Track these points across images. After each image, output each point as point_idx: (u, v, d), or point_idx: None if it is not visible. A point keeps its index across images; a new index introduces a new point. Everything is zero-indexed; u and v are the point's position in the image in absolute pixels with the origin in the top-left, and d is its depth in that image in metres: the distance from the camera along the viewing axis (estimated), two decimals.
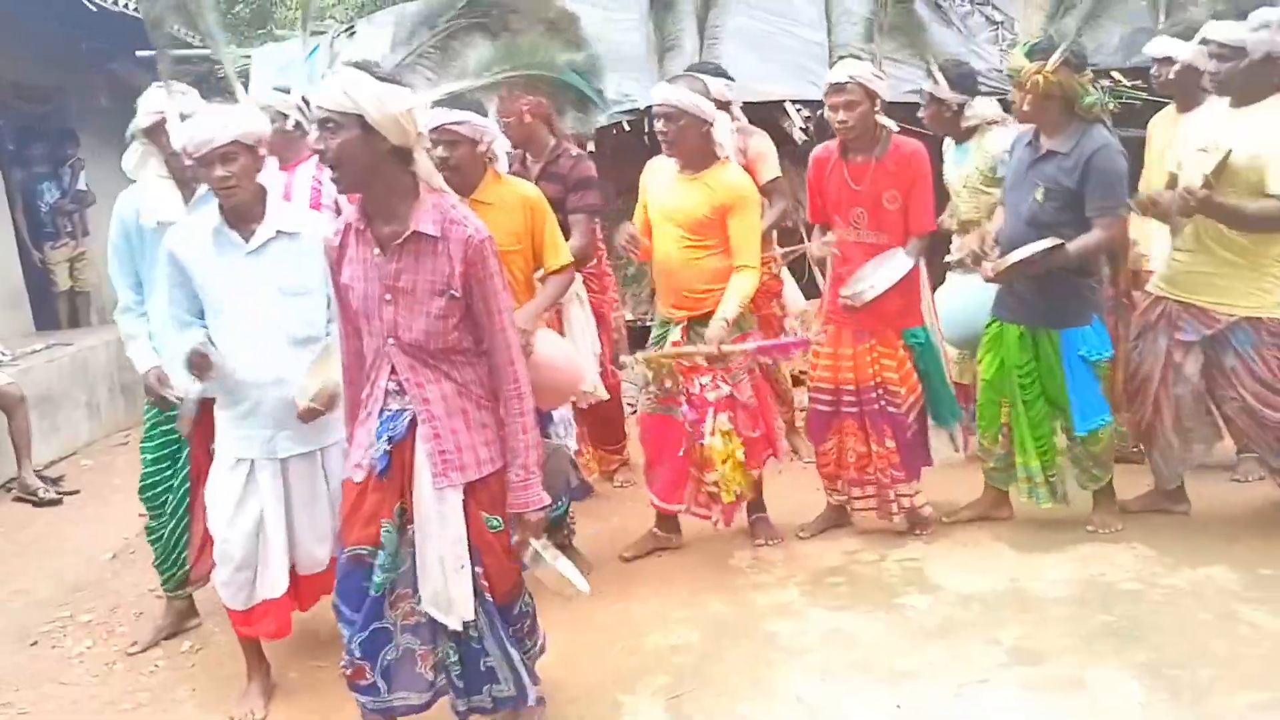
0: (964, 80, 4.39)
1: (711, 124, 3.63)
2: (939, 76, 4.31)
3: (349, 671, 2.64)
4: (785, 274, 4.86)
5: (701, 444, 3.72)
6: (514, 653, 2.69)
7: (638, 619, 3.56)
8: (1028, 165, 3.75)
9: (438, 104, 2.99)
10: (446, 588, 2.54)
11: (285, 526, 3.06)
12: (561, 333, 3.95)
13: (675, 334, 3.80)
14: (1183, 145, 3.81)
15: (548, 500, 2.60)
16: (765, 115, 5.75)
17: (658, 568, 3.93)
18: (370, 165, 2.39)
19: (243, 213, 2.98)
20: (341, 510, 2.67)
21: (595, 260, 4.61)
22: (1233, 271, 3.65)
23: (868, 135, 3.79)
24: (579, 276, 4.04)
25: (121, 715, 3.26)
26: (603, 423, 4.82)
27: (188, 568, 3.54)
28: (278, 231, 2.99)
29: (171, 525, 3.51)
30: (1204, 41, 3.65)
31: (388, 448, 2.53)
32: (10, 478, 5.38)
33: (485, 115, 3.44)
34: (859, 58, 3.84)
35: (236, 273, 2.97)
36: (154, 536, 3.60)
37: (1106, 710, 2.86)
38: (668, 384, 3.79)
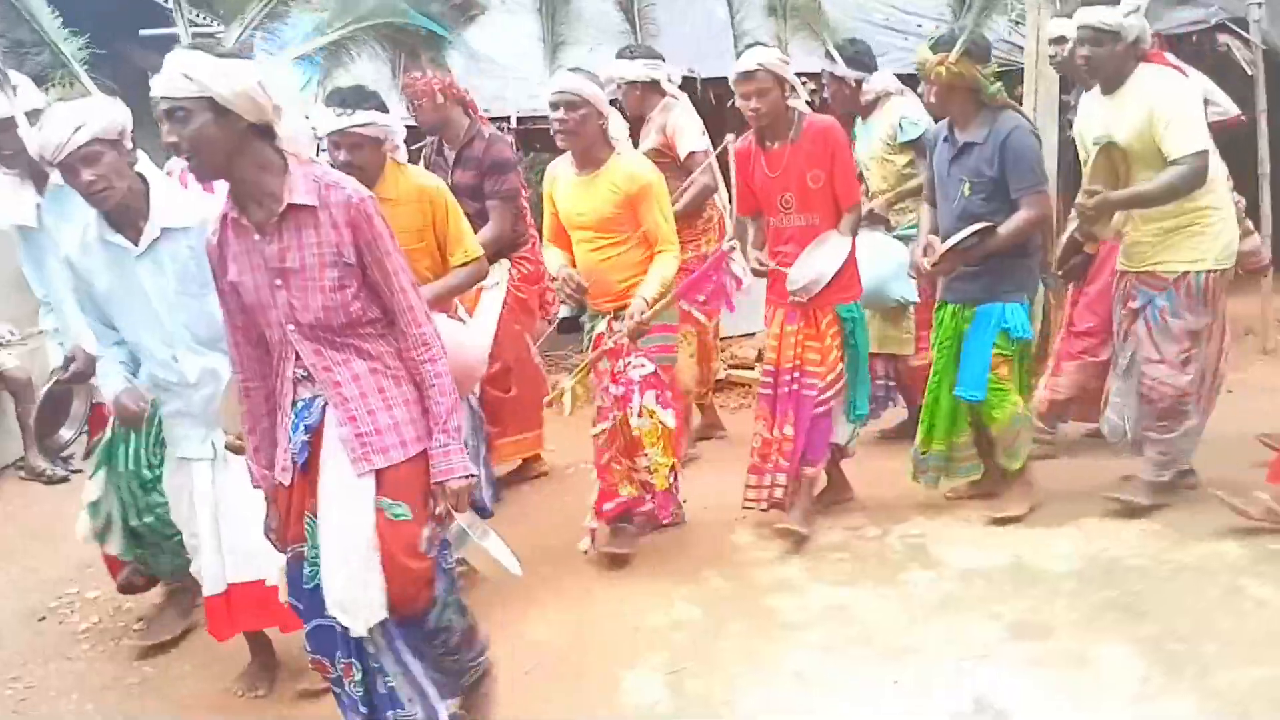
0: (859, 58, 4.56)
1: (607, 117, 3.57)
2: (836, 55, 4.41)
3: (316, 664, 2.53)
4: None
5: (629, 426, 3.64)
6: (416, 667, 2.47)
7: (640, 596, 3.55)
8: (949, 160, 3.78)
9: (336, 105, 3.03)
10: (353, 585, 2.32)
11: (216, 528, 2.94)
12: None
13: (602, 325, 3.73)
14: (1083, 137, 3.86)
15: (474, 470, 2.44)
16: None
17: (660, 545, 3.91)
18: (231, 148, 2.21)
19: (125, 214, 2.77)
20: (274, 521, 2.52)
21: (529, 244, 4.48)
22: (1171, 232, 3.68)
23: (781, 121, 3.75)
24: (506, 263, 4.10)
25: (126, 690, 3.28)
26: (518, 409, 4.52)
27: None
28: (163, 230, 2.77)
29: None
30: (1080, 27, 3.67)
31: (305, 438, 2.37)
32: (19, 457, 5.42)
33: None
34: (765, 44, 3.89)
35: (129, 278, 2.79)
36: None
37: (1109, 685, 2.84)
38: (598, 400, 3.73)
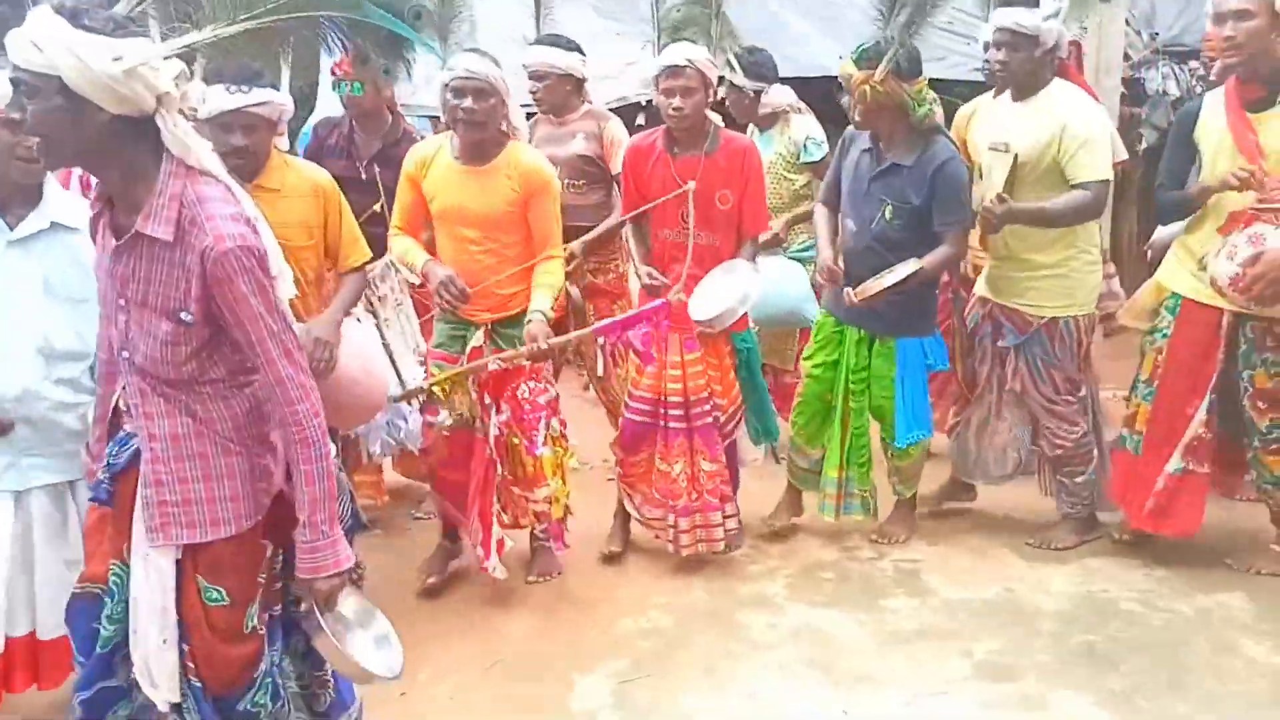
0: (758, 68, 4.34)
1: (507, 104, 3.27)
2: (735, 64, 4.15)
3: None
4: None
5: (534, 456, 3.34)
6: None
7: (619, 599, 3.57)
8: (870, 177, 3.58)
9: (229, 81, 2.73)
10: (148, 661, 2.05)
11: (17, 570, 2.57)
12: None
13: (477, 338, 3.36)
14: (976, 142, 3.71)
15: (348, 563, 2.07)
16: (822, 92, 5.57)
17: (652, 551, 3.90)
18: (86, 141, 1.84)
19: (7, 195, 2.54)
20: (88, 529, 2.24)
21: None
22: (1043, 272, 3.59)
23: (699, 128, 3.49)
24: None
25: None
26: None
27: None
28: (53, 223, 2.56)
29: None
30: (997, 29, 3.51)
31: (106, 477, 2.12)
32: None
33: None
34: (694, 41, 3.62)
35: None
36: None
37: None
38: (461, 408, 3.36)
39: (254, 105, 2.84)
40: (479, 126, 3.20)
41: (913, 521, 3.96)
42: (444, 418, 3.35)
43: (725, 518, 3.65)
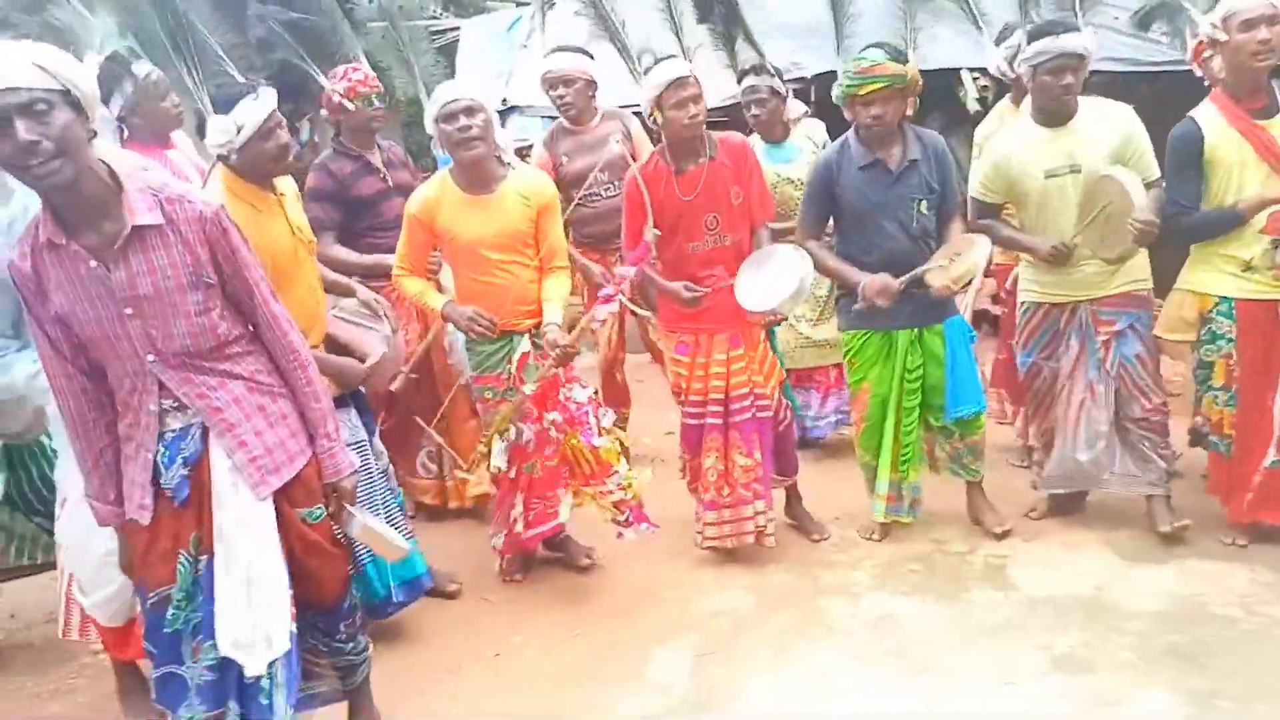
0: (779, 76, 4.36)
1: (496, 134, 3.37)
2: (776, 70, 4.21)
3: (158, 713, 2.37)
4: None
5: (594, 446, 3.48)
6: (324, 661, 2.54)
7: (702, 580, 3.70)
8: (889, 185, 3.56)
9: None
10: (257, 618, 2.22)
11: None
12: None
13: (524, 344, 3.47)
14: (1023, 169, 3.61)
15: (356, 462, 2.50)
16: (939, 84, 5.50)
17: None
18: (86, 155, 2.00)
19: None
20: (131, 558, 2.34)
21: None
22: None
23: (699, 137, 3.53)
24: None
25: None
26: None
27: None
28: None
29: None
30: (1066, 54, 3.43)
31: (185, 472, 2.23)
32: None
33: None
34: (673, 56, 3.66)
35: None
36: None
37: None
38: (525, 434, 3.46)
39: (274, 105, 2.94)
40: (480, 142, 3.27)
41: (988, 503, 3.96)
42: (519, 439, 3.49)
43: (756, 513, 3.71)
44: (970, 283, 3.67)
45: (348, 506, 2.43)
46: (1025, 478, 4.29)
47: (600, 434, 3.49)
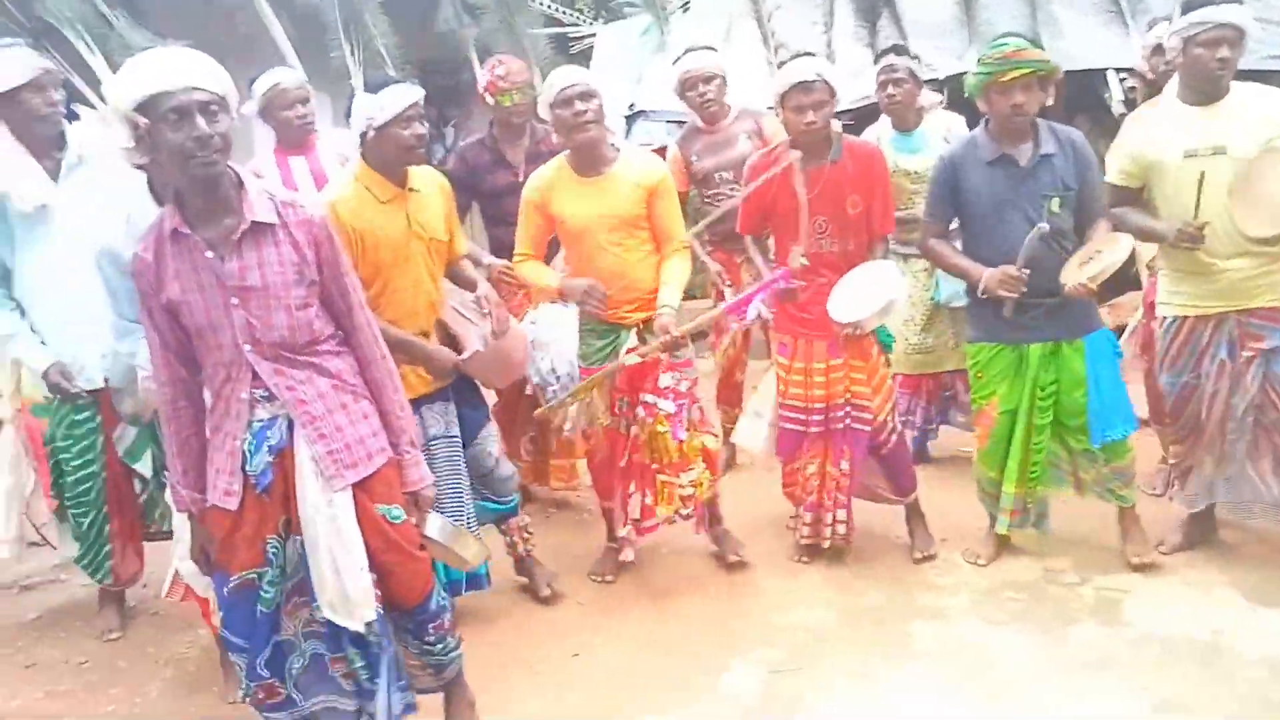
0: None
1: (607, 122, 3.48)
2: (920, 57, 4.08)
3: (258, 696, 2.50)
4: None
5: (680, 440, 3.50)
6: (395, 670, 2.57)
7: (790, 591, 3.64)
8: (1018, 181, 3.36)
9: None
10: (344, 590, 2.38)
11: None
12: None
13: (630, 339, 3.50)
14: (1159, 150, 3.35)
15: (433, 476, 2.61)
16: (1083, 84, 5.23)
17: (841, 550, 3.91)
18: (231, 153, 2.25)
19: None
20: (207, 546, 2.47)
21: None
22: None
23: (825, 139, 3.50)
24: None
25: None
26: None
27: (110, 562, 3.46)
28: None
29: (96, 526, 3.40)
30: (1224, 25, 3.18)
31: (270, 459, 2.36)
32: None
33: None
34: (812, 54, 3.57)
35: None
36: (77, 535, 3.46)
37: None
38: (600, 415, 3.53)
39: (420, 99, 3.07)
40: (595, 125, 3.37)
41: (1143, 532, 3.69)
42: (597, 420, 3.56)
43: (837, 521, 3.71)
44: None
45: (425, 515, 2.56)
46: (1159, 507, 3.99)
47: (688, 429, 3.51)
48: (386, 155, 3.07)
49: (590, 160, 3.46)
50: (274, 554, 2.42)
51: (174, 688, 3.20)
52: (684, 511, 3.60)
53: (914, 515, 3.89)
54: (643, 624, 3.48)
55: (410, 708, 2.65)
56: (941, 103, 4.60)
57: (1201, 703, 2.84)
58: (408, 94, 3.01)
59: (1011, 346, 3.52)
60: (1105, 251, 3.28)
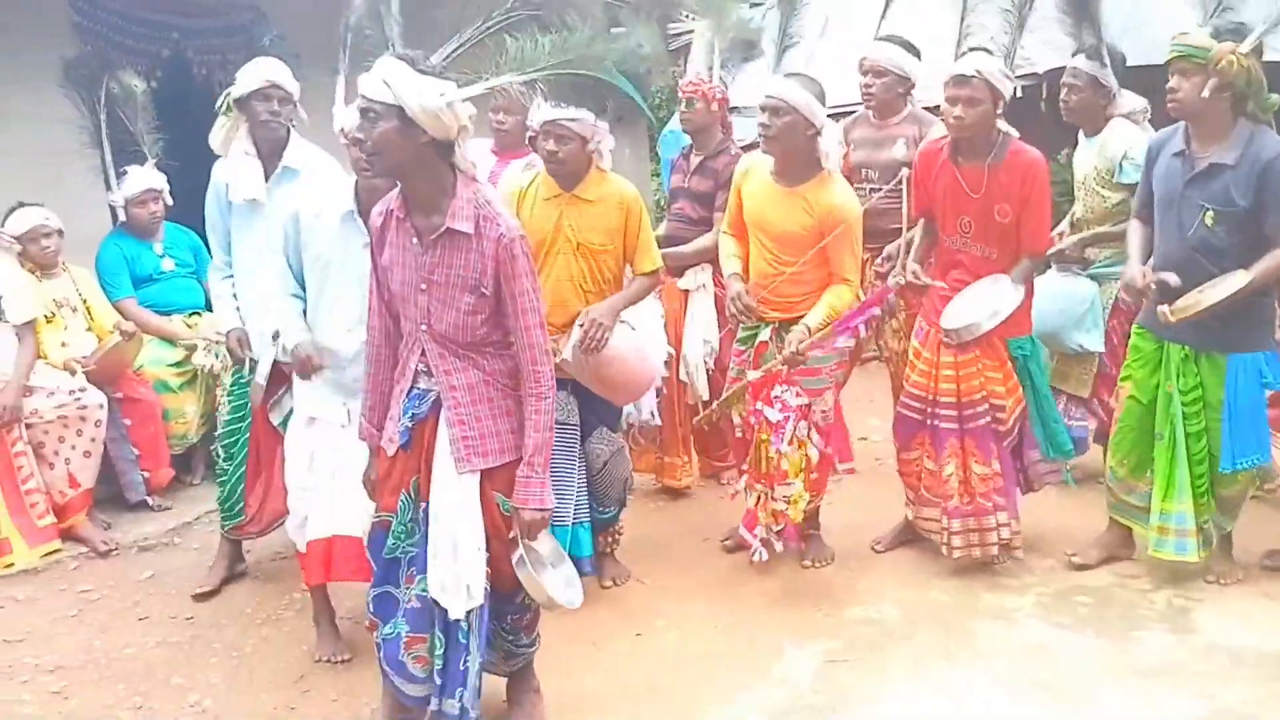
0: (1121, 70, 3.89)
1: (818, 131, 3.40)
2: (1106, 59, 3.77)
3: (369, 622, 2.77)
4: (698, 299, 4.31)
5: (779, 452, 3.50)
6: (479, 664, 2.66)
7: (858, 588, 3.69)
8: (1184, 181, 3.20)
9: (555, 100, 3.14)
10: (458, 571, 2.54)
11: (333, 483, 3.12)
12: (683, 322, 4.16)
13: (765, 334, 3.60)
14: None
15: (550, 505, 2.61)
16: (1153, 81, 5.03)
17: (910, 548, 3.95)
18: (408, 157, 2.42)
19: (374, 202, 2.84)
20: (378, 477, 2.73)
21: None
22: None
23: (983, 138, 3.46)
24: (709, 269, 4.14)
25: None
26: (708, 430, 4.37)
27: (244, 517, 3.72)
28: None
29: (237, 473, 3.70)
30: None
31: (409, 424, 2.60)
32: None
33: (824, 102, 3.44)
34: (989, 52, 3.51)
35: (350, 254, 3.01)
36: (221, 478, 3.76)
37: None
38: (737, 419, 3.69)
39: (567, 119, 3.30)
40: (772, 141, 3.46)
41: (1232, 557, 3.61)
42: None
43: (1000, 524, 3.60)
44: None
45: (523, 539, 2.61)
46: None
47: (790, 443, 3.51)
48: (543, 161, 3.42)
49: (782, 168, 3.53)
50: (402, 506, 2.64)
51: (269, 644, 3.45)
52: (775, 528, 3.62)
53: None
54: (708, 609, 3.58)
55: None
56: (1136, 111, 4.17)
57: (1263, 713, 2.81)
58: (550, 111, 3.30)
59: (1155, 337, 3.47)
60: (1210, 287, 3.18)
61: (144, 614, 3.70)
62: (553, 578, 2.70)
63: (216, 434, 3.93)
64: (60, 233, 4.36)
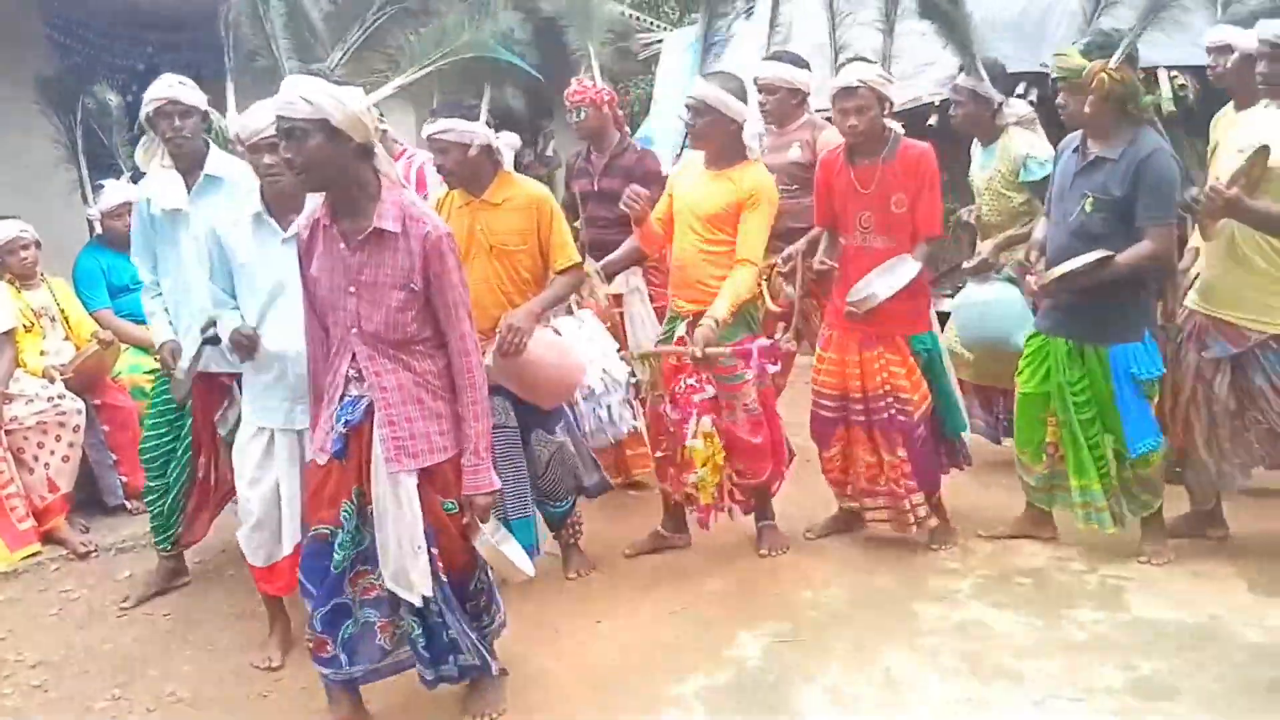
0: (999, 81, 4.18)
1: (740, 124, 3.62)
2: (984, 73, 4.08)
3: (312, 645, 2.78)
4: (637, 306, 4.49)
5: (683, 446, 3.69)
6: (470, 630, 2.81)
7: (808, 573, 3.85)
8: (1074, 173, 3.46)
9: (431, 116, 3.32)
10: (405, 567, 2.64)
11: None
12: (623, 327, 4.29)
13: (681, 329, 3.73)
14: (1226, 146, 3.38)
15: (497, 485, 2.75)
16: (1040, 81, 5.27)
17: (858, 539, 4.11)
18: (338, 166, 2.49)
19: (282, 202, 3.09)
20: (306, 492, 2.80)
21: (659, 255, 4.38)
22: (1267, 285, 3.27)
23: (875, 139, 3.71)
24: (640, 270, 4.31)
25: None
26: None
27: (180, 530, 3.78)
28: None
29: (172, 489, 3.72)
30: (1260, 40, 3.24)
31: (343, 430, 2.64)
32: None
33: (744, 97, 3.66)
34: (868, 60, 3.78)
35: (270, 257, 3.09)
36: (151, 497, 3.79)
37: None
38: (656, 385, 3.83)
39: (437, 133, 3.45)
40: (697, 139, 3.72)
41: (1165, 536, 3.79)
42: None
43: (914, 505, 3.83)
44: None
45: (479, 522, 2.73)
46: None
47: (695, 436, 3.67)
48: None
49: (712, 157, 3.72)
50: (346, 518, 2.69)
51: (243, 637, 3.58)
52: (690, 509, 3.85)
53: (935, 510, 4.05)
54: (665, 597, 3.72)
55: (470, 670, 2.90)
56: (1022, 119, 4.32)
57: (1180, 682, 2.98)
58: (444, 124, 3.45)
59: (1040, 335, 3.73)
60: (1081, 256, 3.41)
61: (122, 611, 3.83)
62: (514, 547, 2.90)
63: (139, 451, 3.87)
64: (38, 244, 4.50)
